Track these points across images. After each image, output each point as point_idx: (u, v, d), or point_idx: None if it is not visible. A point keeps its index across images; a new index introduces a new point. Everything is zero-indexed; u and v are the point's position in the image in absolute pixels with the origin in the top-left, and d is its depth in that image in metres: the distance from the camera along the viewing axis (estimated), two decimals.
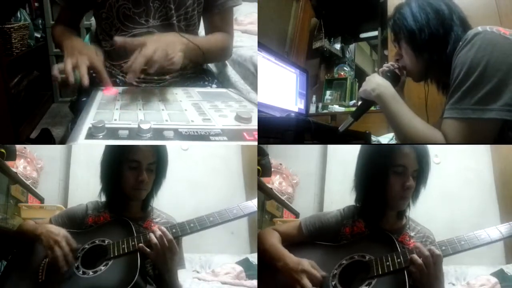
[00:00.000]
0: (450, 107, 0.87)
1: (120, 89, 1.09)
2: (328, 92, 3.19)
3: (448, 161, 1.57)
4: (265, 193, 1.41)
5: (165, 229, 0.92)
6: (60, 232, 0.92)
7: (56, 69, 0.98)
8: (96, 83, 1.07)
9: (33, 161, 1.74)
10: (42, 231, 0.92)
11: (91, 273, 0.89)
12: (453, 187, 1.64)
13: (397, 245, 0.87)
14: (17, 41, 2.30)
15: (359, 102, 1.10)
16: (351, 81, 3.16)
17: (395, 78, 1.03)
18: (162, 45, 0.97)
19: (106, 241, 0.95)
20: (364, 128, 1.59)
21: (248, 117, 0.84)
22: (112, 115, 0.83)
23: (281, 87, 1.75)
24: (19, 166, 1.66)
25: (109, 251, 0.92)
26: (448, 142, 0.87)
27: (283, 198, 1.58)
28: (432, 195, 1.65)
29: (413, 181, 0.90)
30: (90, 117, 0.80)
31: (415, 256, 0.82)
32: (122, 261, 0.91)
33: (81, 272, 0.89)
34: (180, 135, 0.75)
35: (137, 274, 0.87)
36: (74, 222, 1.03)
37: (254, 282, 1.57)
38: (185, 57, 1.02)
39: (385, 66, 1.07)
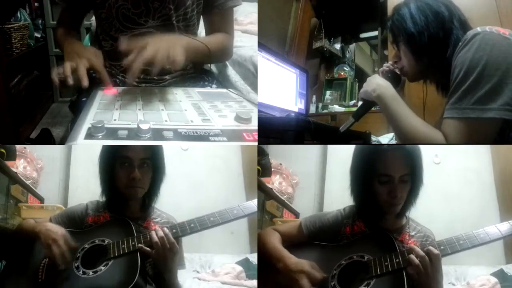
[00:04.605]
0: (449, 107, 0.87)
1: (120, 89, 1.09)
2: (328, 92, 3.20)
3: (448, 161, 1.57)
4: (265, 193, 1.40)
5: (167, 231, 0.92)
6: (59, 231, 0.92)
7: (55, 72, 0.98)
8: (96, 83, 1.07)
9: (33, 161, 1.74)
10: (41, 229, 0.92)
11: (91, 273, 0.89)
12: (453, 187, 1.64)
13: (396, 245, 0.87)
14: (17, 41, 2.30)
15: (360, 103, 1.09)
16: (351, 81, 3.16)
17: (395, 79, 1.03)
18: (163, 46, 0.97)
19: (106, 241, 0.95)
20: (364, 128, 1.59)
21: (248, 117, 0.83)
22: (112, 115, 0.83)
23: (281, 87, 1.75)
24: (19, 166, 1.65)
25: (109, 251, 0.92)
26: (448, 142, 0.87)
27: (283, 198, 1.58)
28: (432, 195, 1.65)
29: (402, 187, 0.88)
30: (90, 117, 0.80)
31: (412, 256, 0.82)
32: (122, 261, 0.91)
33: (81, 272, 0.89)
34: (180, 136, 0.75)
35: (137, 274, 0.87)
36: (74, 221, 1.03)
37: (254, 282, 1.57)
38: (186, 57, 1.02)
39: (385, 66, 1.07)
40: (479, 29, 0.86)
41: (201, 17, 1.28)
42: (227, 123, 0.83)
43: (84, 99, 1.10)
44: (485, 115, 0.82)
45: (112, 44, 1.20)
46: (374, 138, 1.75)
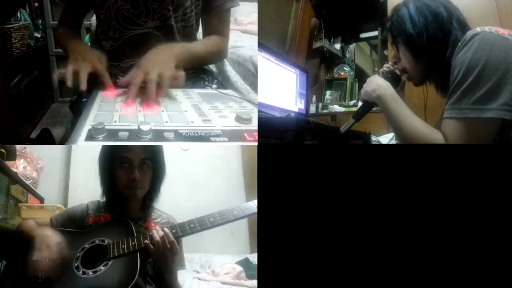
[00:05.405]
0: (449, 107, 0.87)
1: (120, 90, 1.09)
2: (328, 92, 3.19)
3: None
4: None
5: (167, 231, 0.92)
6: (55, 239, 0.92)
7: (57, 73, 0.99)
8: (97, 84, 1.07)
9: (33, 161, 1.74)
10: (38, 233, 0.93)
11: (91, 273, 0.89)
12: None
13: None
14: (17, 41, 2.29)
15: (360, 103, 1.10)
16: (351, 81, 3.16)
17: (395, 79, 1.03)
18: (156, 68, 0.95)
19: (106, 241, 0.95)
20: (364, 128, 1.59)
21: (248, 117, 0.83)
22: (112, 116, 0.83)
23: (281, 87, 1.75)
24: (19, 166, 1.65)
25: (109, 251, 0.92)
26: (448, 142, 0.87)
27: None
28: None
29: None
30: (90, 119, 0.80)
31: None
32: (122, 261, 0.91)
33: (81, 272, 0.90)
34: (181, 136, 0.74)
35: (137, 274, 0.87)
36: (75, 221, 1.04)
37: (254, 282, 1.57)
38: (178, 65, 1.02)
39: (385, 67, 1.07)
40: (478, 29, 0.86)
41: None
42: (227, 124, 0.83)
43: (84, 99, 1.10)
44: (484, 115, 0.82)
45: (112, 45, 1.20)
46: (374, 138, 1.75)
